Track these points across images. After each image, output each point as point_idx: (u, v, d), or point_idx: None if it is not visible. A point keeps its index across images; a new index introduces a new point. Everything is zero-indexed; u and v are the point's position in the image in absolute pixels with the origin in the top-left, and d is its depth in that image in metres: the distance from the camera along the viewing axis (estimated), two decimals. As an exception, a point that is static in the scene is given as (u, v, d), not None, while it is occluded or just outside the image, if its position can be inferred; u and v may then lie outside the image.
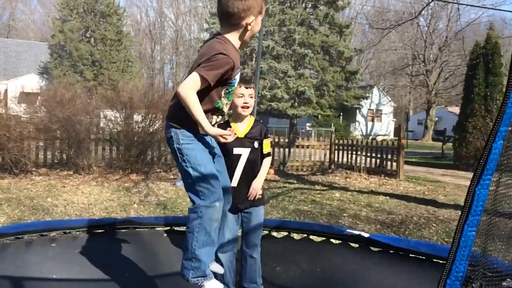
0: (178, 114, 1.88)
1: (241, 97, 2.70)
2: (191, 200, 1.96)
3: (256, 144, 2.79)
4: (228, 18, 1.86)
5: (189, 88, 1.80)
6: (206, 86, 1.84)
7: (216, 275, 2.23)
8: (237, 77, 2.01)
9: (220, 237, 2.66)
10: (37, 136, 8.89)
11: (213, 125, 2.06)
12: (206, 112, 1.89)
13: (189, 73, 1.89)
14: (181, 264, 2.03)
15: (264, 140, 2.83)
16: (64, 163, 9.13)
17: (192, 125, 1.88)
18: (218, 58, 1.79)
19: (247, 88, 2.71)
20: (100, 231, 3.68)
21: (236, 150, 2.74)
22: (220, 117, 2.17)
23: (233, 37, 1.89)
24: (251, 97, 2.74)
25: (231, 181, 2.70)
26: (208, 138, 2.03)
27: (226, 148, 2.70)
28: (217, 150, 2.15)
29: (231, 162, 2.71)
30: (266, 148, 2.84)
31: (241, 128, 2.79)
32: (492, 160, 0.99)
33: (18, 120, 8.58)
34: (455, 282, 0.97)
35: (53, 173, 8.56)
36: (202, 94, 1.87)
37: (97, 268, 2.94)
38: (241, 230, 2.85)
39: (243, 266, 2.80)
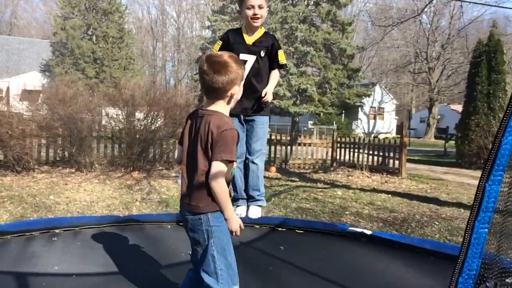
0: (208, 200, 1.93)
1: (251, 8, 2.73)
2: (207, 285, 1.95)
3: (262, 53, 2.82)
4: (214, 92, 1.97)
5: (223, 180, 1.88)
6: None
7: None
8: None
9: None
10: (39, 134, 8.89)
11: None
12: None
13: (195, 151, 1.95)
14: None
15: (278, 51, 2.87)
16: (66, 161, 9.13)
17: (218, 208, 1.94)
18: (226, 136, 1.88)
19: None
20: (102, 228, 3.68)
21: (242, 56, 2.78)
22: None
23: (222, 108, 2.00)
24: (261, 8, 2.76)
25: None
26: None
27: (233, 53, 2.75)
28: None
29: None
30: (281, 58, 2.88)
31: (250, 36, 2.84)
32: (503, 156, 0.98)
33: (20, 118, 8.57)
34: (467, 280, 0.96)
35: (55, 171, 8.56)
36: None
37: (99, 264, 2.94)
38: (245, 138, 2.91)
39: (247, 174, 2.88)
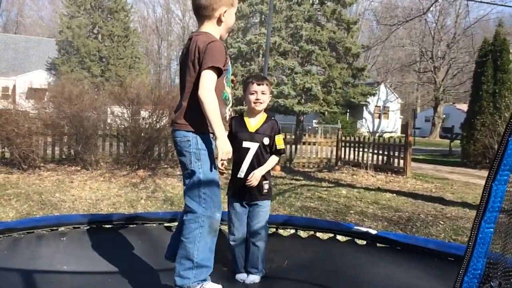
0: (196, 118, 1.87)
1: (253, 94, 2.82)
2: (190, 209, 1.92)
3: (265, 141, 2.88)
4: (203, 11, 1.92)
5: (211, 88, 1.81)
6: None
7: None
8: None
9: (231, 228, 2.85)
10: (45, 132, 8.95)
11: (229, 118, 2.11)
12: (220, 107, 1.90)
13: (184, 76, 1.90)
14: (177, 275, 2.02)
15: (276, 136, 2.92)
16: (72, 159, 9.18)
17: (208, 131, 1.89)
18: (213, 46, 1.83)
19: (259, 85, 2.82)
20: (108, 226, 3.70)
21: (245, 144, 2.84)
22: (231, 110, 2.17)
23: (211, 30, 1.94)
24: (263, 94, 2.84)
25: (238, 173, 2.81)
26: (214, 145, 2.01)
27: (236, 141, 2.80)
28: None
29: (239, 154, 2.83)
30: (279, 144, 2.93)
31: (253, 123, 2.89)
32: (510, 155, 0.98)
33: (27, 116, 8.64)
34: (472, 279, 0.96)
35: (61, 169, 8.61)
36: None
37: (105, 263, 2.96)
38: (247, 220, 2.97)
39: (247, 253, 2.95)
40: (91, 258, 3.02)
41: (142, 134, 8.88)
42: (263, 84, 2.84)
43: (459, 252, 3.30)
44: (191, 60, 1.88)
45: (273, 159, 2.93)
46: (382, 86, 36.70)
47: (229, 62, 2.04)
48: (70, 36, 31.32)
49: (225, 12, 1.94)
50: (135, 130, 8.93)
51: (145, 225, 3.70)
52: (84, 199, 6.21)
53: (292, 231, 3.95)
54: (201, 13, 1.95)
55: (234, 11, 2.02)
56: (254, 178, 2.81)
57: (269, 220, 4.05)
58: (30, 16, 54.19)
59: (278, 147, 2.92)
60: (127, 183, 7.60)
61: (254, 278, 2.93)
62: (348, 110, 31.48)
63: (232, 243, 2.94)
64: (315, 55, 25.18)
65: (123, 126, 9.32)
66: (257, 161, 2.86)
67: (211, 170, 1.92)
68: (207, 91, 1.79)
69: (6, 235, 3.27)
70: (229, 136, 2.81)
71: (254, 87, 2.81)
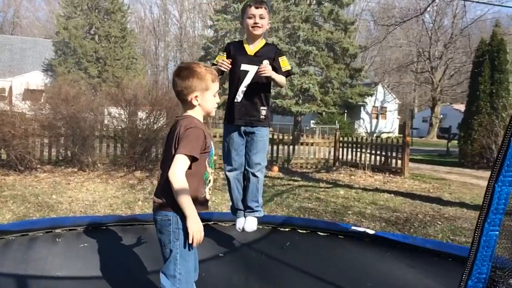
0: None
1: (252, 18, 2.78)
2: (163, 285, 1.97)
3: (265, 62, 2.81)
4: (178, 96, 2.06)
5: (180, 173, 1.88)
6: (191, 162, 1.94)
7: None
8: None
9: (227, 158, 2.84)
10: (42, 133, 8.90)
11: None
12: (198, 187, 1.98)
13: (165, 155, 2.02)
14: None
15: (279, 58, 2.87)
16: (68, 160, 9.14)
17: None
18: (190, 133, 1.93)
19: (257, 8, 2.77)
20: (105, 228, 3.68)
21: (243, 66, 2.81)
22: (211, 189, 2.18)
23: (192, 113, 2.06)
24: (262, 18, 2.79)
25: (235, 97, 2.78)
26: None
27: (234, 64, 2.75)
28: None
29: (237, 77, 2.79)
30: (284, 65, 2.87)
31: (252, 47, 2.85)
32: (513, 156, 0.96)
33: (23, 117, 8.58)
34: (477, 283, 0.94)
35: (57, 170, 8.57)
36: (189, 173, 1.94)
37: (102, 265, 2.93)
38: (245, 150, 2.91)
39: (246, 185, 2.90)
40: (87, 260, 3.00)
41: (140, 135, 8.85)
42: (261, 8, 2.76)
43: (457, 252, 3.30)
44: (171, 142, 1.98)
45: (282, 76, 2.84)
46: (379, 87, 36.75)
47: (212, 145, 2.10)
48: (67, 37, 31.24)
49: (196, 97, 2.03)
50: (132, 131, 8.90)
51: (142, 226, 3.68)
52: (81, 200, 6.18)
53: (289, 230, 3.94)
54: (178, 97, 2.09)
55: (210, 94, 2.08)
56: (267, 68, 2.70)
57: (267, 220, 4.05)
58: (26, 17, 54.07)
59: (284, 69, 2.85)
60: (124, 185, 7.57)
61: (252, 223, 2.87)
62: (345, 111, 31.53)
63: (228, 174, 2.85)
64: (313, 55, 25.20)
65: (120, 127, 9.28)
66: (255, 86, 2.80)
67: (189, 250, 1.97)
68: (175, 174, 1.86)
69: (1, 237, 3.25)
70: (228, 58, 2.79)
71: (252, 10, 2.75)
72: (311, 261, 3.24)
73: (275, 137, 11.84)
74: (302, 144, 12.18)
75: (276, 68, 2.84)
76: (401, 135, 11.31)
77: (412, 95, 50.04)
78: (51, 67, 32.70)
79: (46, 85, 24.76)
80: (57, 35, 32.37)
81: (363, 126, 35.41)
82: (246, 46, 2.86)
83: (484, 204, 0.92)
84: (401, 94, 48.05)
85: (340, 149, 12.15)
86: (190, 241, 1.86)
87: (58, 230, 3.53)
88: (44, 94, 12.35)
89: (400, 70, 40.52)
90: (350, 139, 12.33)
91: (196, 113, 2.07)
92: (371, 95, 30.79)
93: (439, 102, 36.10)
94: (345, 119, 31.60)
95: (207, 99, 2.07)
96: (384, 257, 3.40)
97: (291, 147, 11.82)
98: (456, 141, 16.14)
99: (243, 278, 2.90)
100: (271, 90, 3.05)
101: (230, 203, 3.04)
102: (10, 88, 30.13)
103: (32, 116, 8.99)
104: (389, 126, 37.08)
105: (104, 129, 9.56)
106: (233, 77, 2.88)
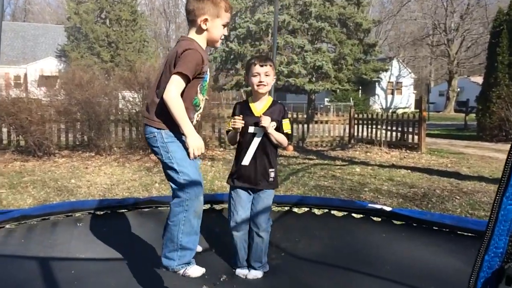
0: (163, 115, 1.95)
1: (256, 76, 2.68)
2: (174, 194, 2.03)
3: (272, 125, 2.73)
4: (188, 15, 2.05)
5: (176, 92, 1.89)
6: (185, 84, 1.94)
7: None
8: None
9: (234, 215, 2.78)
10: (58, 119, 9.02)
11: (195, 123, 2.14)
12: (187, 111, 1.96)
13: (162, 73, 2.02)
14: (164, 256, 2.12)
15: (283, 120, 2.79)
16: (85, 145, 9.26)
17: (175, 126, 1.95)
18: (188, 54, 1.92)
19: (261, 66, 2.68)
20: (123, 210, 3.73)
21: (251, 129, 2.73)
22: (199, 116, 2.20)
23: (196, 37, 2.04)
24: (267, 75, 2.70)
25: (243, 160, 2.73)
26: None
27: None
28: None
29: (246, 140, 2.72)
30: (286, 128, 2.80)
31: (259, 107, 2.77)
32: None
33: (39, 104, 8.69)
34: (494, 258, 0.93)
35: (75, 155, 8.70)
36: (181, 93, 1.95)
37: (121, 247, 2.99)
38: (251, 207, 2.84)
39: (251, 244, 2.83)
40: (107, 243, 3.05)
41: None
42: (266, 65, 2.68)
43: (476, 227, 3.26)
44: (170, 62, 1.98)
45: (283, 136, 2.79)
46: (394, 61, 36.15)
47: (207, 70, 2.08)
48: (78, 22, 31.30)
49: (205, 20, 2.01)
50: (147, 115, 8.93)
51: (159, 208, 3.72)
52: (99, 184, 6.28)
53: (306, 209, 3.94)
54: (187, 17, 2.06)
55: (220, 23, 2.06)
56: (267, 120, 2.65)
57: (283, 200, 4.05)
58: (37, 3, 54.24)
59: (285, 131, 2.79)
60: (141, 167, 7.65)
61: (257, 273, 2.81)
62: (360, 87, 31.15)
63: (234, 232, 2.79)
64: (325, 32, 24.82)
65: (134, 110, 9.34)
66: (263, 147, 2.75)
67: (184, 158, 1.99)
68: (170, 93, 1.87)
69: (23, 222, 3.32)
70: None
71: (257, 68, 2.67)
72: (327, 240, 3.25)
73: (290, 116, 11.78)
74: (316, 122, 12.12)
75: (279, 128, 2.79)
76: (417, 110, 11.16)
77: (428, 69, 49.14)
78: (64, 53, 32.89)
79: (60, 71, 24.98)
80: (68, 21, 32.44)
81: (378, 102, 35.02)
82: (252, 106, 2.76)
83: (503, 178, 0.90)
84: (417, 69, 47.22)
85: (355, 126, 12.07)
86: (191, 157, 1.89)
87: (78, 214, 3.60)
88: (59, 80, 12.46)
89: (415, 43, 39.72)
90: (365, 115, 12.21)
91: (200, 38, 2.06)
92: (386, 70, 30.32)
93: (456, 75, 35.41)
94: (360, 96, 31.27)
95: (215, 25, 2.06)
96: (401, 234, 3.39)
97: (305, 125, 11.77)
98: (474, 115, 15.87)
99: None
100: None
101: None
102: (25, 75, 30.48)
103: (47, 102, 9.10)
104: (405, 101, 36.59)
105: (119, 113, 9.63)
106: (241, 139, 2.81)
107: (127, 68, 22.12)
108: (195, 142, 1.89)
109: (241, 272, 2.84)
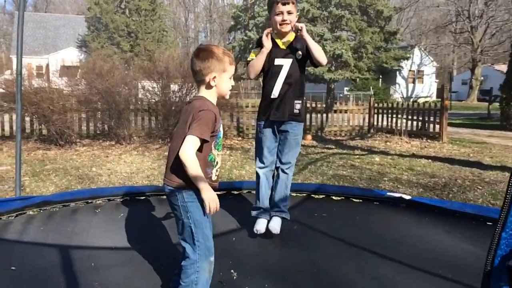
0: (182, 175, 2.01)
1: (279, 14, 2.73)
2: (187, 254, 2.12)
3: (298, 54, 2.80)
4: (195, 76, 2.13)
5: (191, 152, 1.96)
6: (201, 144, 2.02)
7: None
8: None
9: (260, 154, 2.89)
10: (79, 108, 9.15)
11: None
12: (203, 169, 2.03)
13: (178, 130, 2.10)
14: None
15: None
16: (106, 134, 9.39)
17: (194, 186, 2.00)
18: (202, 116, 2.00)
19: (284, 4, 2.72)
20: (143, 198, 3.78)
21: (277, 61, 2.78)
22: (219, 170, 2.24)
23: (207, 94, 2.12)
24: (290, 13, 2.74)
25: (271, 93, 2.80)
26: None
27: (268, 59, 2.74)
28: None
29: (272, 72, 2.77)
30: None
31: (283, 41, 2.83)
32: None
33: (61, 93, 8.84)
34: (511, 235, 0.91)
35: (96, 144, 8.83)
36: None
37: (140, 233, 3.02)
38: (277, 147, 2.91)
39: (275, 182, 2.90)
40: (125, 231, 3.10)
41: (173, 108, 8.94)
42: (288, 3, 2.71)
43: (496, 216, 3.20)
44: (185, 123, 2.05)
45: (317, 45, 2.84)
46: (416, 50, 35.47)
47: (220, 127, 2.16)
48: (98, 12, 31.60)
49: (214, 78, 2.09)
50: (166, 104, 9.00)
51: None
52: (119, 172, 6.36)
53: (324, 198, 3.93)
54: (194, 78, 2.15)
55: (227, 76, 2.14)
56: (301, 24, 2.70)
57: (301, 188, 4.04)
58: (59, -6, 54.80)
59: None
60: (160, 156, 7.72)
61: (278, 226, 2.84)
62: (380, 76, 30.67)
63: (258, 170, 2.87)
64: (345, 20, 24.44)
65: (153, 100, 9.41)
66: (291, 79, 2.78)
67: (201, 219, 2.07)
68: (184, 153, 1.95)
69: (44, 208, 3.40)
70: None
71: (279, 7, 2.70)
72: (345, 227, 3.23)
73: (308, 105, 11.71)
74: (335, 111, 12.01)
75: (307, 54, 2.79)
76: (439, 99, 10.94)
77: (451, 57, 48.08)
78: (85, 43, 33.28)
79: (81, 61, 25.30)
80: (89, 11, 32.77)
81: (399, 91, 34.48)
82: (278, 40, 2.82)
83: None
84: (439, 57, 46.25)
85: (375, 116, 11.92)
86: (207, 211, 1.95)
87: (98, 201, 3.66)
88: (80, 70, 12.62)
89: (438, 31, 38.84)
90: (385, 105, 12.03)
91: (211, 95, 2.14)
92: (407, 58, 29.74)
93: (480, 63, 34.55)
94: (380, 85, 30.81)
95: (223, 80, 2.14)
96: (420, 222, 3.36)
97: (324, 115, 11.68)
98: (497, 103, 15.50)
99: (277, 246, 2.92)
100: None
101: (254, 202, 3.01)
102: (47, 65, 30.96)
103: (69, 92, 9.24)
104: (427, 90, 35.93)
105: (139, 102, 9.72)
106: (267, 73, 2.86)
107: (147, 58, 22.26)
108: (210, 195, 1.95)
109: (261, 222, 2.88)
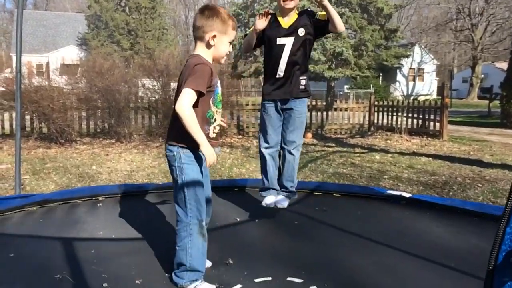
0: (182, 134, 2.01)
1: None
2: (179, 218, 2.14)
3: (300, 31, 2.79)
4: (195, 31, 2.13)
5: (187, 105, 1.96)
6: (197, 98, 2.01)
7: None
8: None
9: (264, 135, 2.89)
10: (79, 106, 9.15)
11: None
12: (201, 125, 2.03)
13: (177, 93, 2.09)
14: (174, 274, 2.20)
15: (316, 17, 2.81)
16: (106, 132, 9.39)
17: (193, 144, 2.01)
18: (197, 69, 2.00)
19: None
20: (144, 195, 3.79)
21: (280, 40, 2.79)
22: (218, 128, 2.24)
23: (203, 52, 2.12)
24: None
25: (276, 72, 2.78)
26: (202, 156, 2.13)
27: (269, 39, 2.73)
28: (205, 169, 2.24)
29: (275, 52, 2.77)
30: (323, 17, 2.81)
31: (286, 20, 2.82)
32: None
33: (61, 91, 8.83)
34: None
35: (96, 142, 8.83)
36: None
37: (141, 229, 3.03)
38: (282, 127, 2.91)
39: (282, 163, 2.91)
40: (125, 224, 3.10)
41: (173, 106, 8.93)
42: None
43: (495, 212, 3.22)
44: (182, 81, 2.06)
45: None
46: (416, 47, 35.40)
47: (218, 83, 2.14)
48: (98, 10, 31.56)
49: (214, 36, 2.08)
50: (166, 102, 9.00)
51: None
52: (119, 170, 6.36)
53: (325, 194, 3.94)
54: (194, 34, 2.14)
55: (227, 40, 2.14)
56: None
57: (301, 186, 4.04)
58: (59, -8, 54.72)
59: (325, 19, 2.77)
60: (160, 154, 7.72)
61: (285, 200, 2.85)
62: (380, 74, 30.63)
63: (264, 151, 2.86)
64: (345, 17, 24.38)
65: (154, 98, 9.40)
66: (294, 58, 2.78)
67: (195, 182, 2.09)
68: (181, 106, 1.94)
69: (44, 206, 3.40)
70: (262, 33, 2.78)
71: None
72: (346, 223, 3.23)
73: (308, 103, 11.69)
74: (336, 109, 12.00)
75: (318, 24, 2.78)
76: (440, 97, 10.93)
77: (451, 55, 48.04)
78: (85, 41, 33.25)
79: (81, 59, 25.28)
80: (88, 9, 32.73)
81: (399, 89, 34.45)
82: (280, 19, 2.81)
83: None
84: (440, 54, 46.18)
85: (375, 114, 11.91)
86: (207, 165, 1.98)
87: (98, 198, 3.67)
88: (80, 68, 12.61)
89: (438, 29, 38.80)
90: (385, 102, 12.02)
91: (207, 54, 2.13)
92: (408, 56, 29.67)
93: (480, 61, 34.52)
94: (380, 83, 30.79)
95: (223, 42, 2.13)
96: (422, 216, 3.38)
97: (324, 113, 11.67)
98: (498, 101, 15.49)
99: (278, 240, 2.92)
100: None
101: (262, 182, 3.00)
102: (47, 63, 30.93)
103: (69, 90, 9.23)
104: (427, 88, 35.90)
105: (139, 100, 9.71)
106: (270, 53, 2.86)
107: (147, 56, 22.22)
108: (208, 151, 1.97)
109: (269, 197, 2.89)
